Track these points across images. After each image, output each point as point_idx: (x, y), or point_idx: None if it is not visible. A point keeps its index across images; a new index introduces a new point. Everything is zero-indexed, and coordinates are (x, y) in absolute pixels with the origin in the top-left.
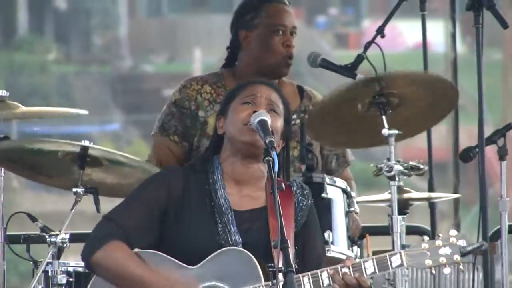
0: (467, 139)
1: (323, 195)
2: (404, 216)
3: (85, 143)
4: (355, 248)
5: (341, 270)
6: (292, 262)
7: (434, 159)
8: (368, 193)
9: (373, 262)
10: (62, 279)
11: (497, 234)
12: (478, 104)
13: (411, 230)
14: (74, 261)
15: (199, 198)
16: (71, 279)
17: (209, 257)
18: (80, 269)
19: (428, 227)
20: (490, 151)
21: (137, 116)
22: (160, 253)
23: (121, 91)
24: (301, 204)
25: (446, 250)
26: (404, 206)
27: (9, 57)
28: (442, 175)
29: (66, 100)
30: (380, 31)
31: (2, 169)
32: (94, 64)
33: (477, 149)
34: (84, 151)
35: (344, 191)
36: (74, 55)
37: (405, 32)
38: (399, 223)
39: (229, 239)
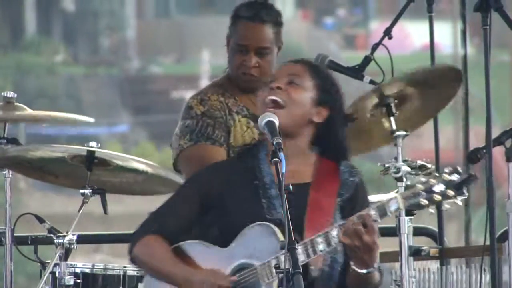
0: (475, 140)
1: None
2: (411, 217)
3: (93, 144)
4: None
5: (348, 221)
6: (299, 264)
7: (441, 160)
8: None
9: (376, 210)
10: (70, 280)
11: (505, 235)
12: (485, 105)
13: (419, 232)
14: (81, 262)
15: (244, 181)
16: (78, 280)
17: (237, 236)
18: (87, 270)
19: (436, 228)
20: (497, 152)
21: (145, 117)
22: (196, 241)
23: (129, 92)
24: (347, 181)
25: (440, 187)
26: None
27: (17, 59)
28: None
29: (74, 102)
30: (388, 33)
31: (9, 170)
32: (102, 66)
33: (484, 150)
34: (91, 153)
35: None
36: (81, 56)
37: (412, 34)
38: (407, 224)
39: (273, 214)
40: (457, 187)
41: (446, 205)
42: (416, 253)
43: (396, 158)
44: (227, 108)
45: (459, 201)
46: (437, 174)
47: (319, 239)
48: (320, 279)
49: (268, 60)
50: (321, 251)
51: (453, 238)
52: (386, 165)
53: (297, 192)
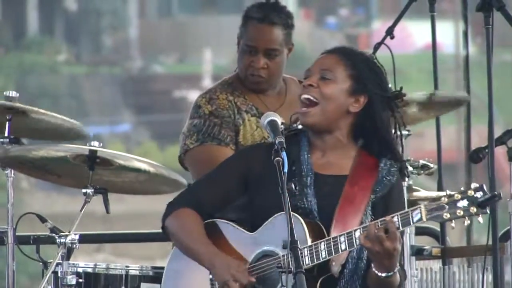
0: (477, 139)
1: None
2: None
3: (95, 144)
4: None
5: (370, 225)
6: (302, 263)
7: (443, 160)
8: None
9: (398, 217)
10: (72, 279)
11: (507, 235)
12: (488, 105)
13: (421, 231)
14: (83, 262)
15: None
16: (80, 280)
17: (265, 223)
18: (89, 270)
19: (438, 228)
20: (499, 152)
21: (147, 116)
22: (226, 221)
23: (131, 92)
24: (384, 179)
25: (464, 203)
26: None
27: (19, 58)
28: (451, 176)
29: (76, 101)
30: (390, 32)
31: (11, 170)
32: (104, 65)
33: (486, 150)
34: (93, 153)
35: None
36: (84, 56)
37: (414, 33)
38: None
39: (304, 202)
40: (480, 205)
41: (467, 221)
42: (418, 252)
43: None
44: (235, 107)
45: (480, 218)
46: (463, 189)
47: (342, 238)
48: (344, 275)
49: (277, 61)
50: (343, 250)
51: (455, 237)
52: None
53: (333, 183)
